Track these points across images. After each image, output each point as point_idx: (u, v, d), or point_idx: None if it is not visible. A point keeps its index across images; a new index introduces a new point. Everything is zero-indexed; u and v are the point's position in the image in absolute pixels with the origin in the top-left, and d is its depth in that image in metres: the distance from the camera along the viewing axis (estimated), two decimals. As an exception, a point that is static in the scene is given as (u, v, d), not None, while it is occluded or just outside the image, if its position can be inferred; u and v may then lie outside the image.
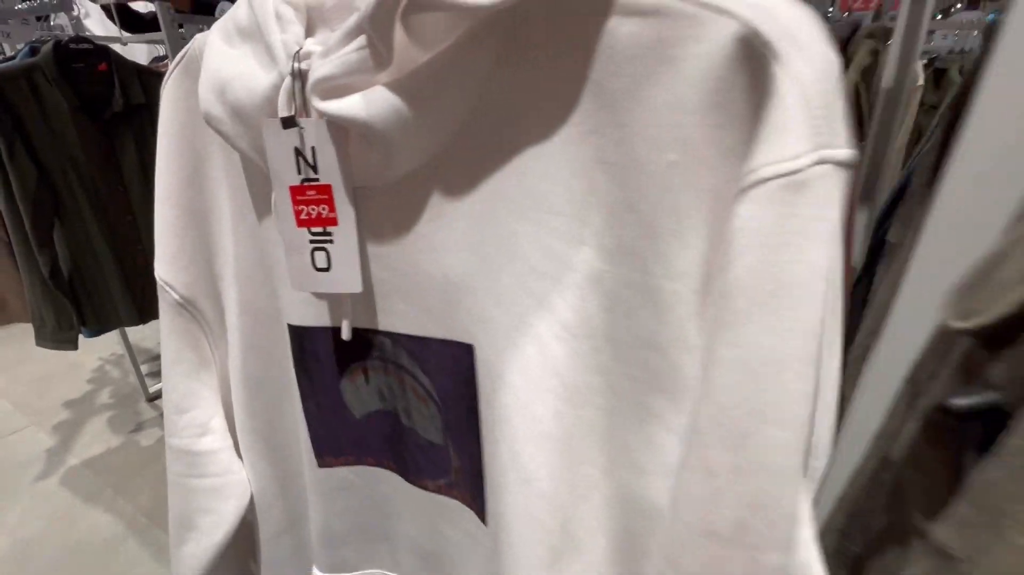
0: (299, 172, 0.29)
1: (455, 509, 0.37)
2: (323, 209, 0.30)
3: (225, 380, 0.45)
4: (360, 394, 0.38)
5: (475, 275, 0.28)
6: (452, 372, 0.31)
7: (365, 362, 0.36)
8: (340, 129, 0.27)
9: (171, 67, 0.36)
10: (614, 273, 0.25)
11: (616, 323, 0.26)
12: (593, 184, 0.24)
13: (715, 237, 0.21)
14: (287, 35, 0.27)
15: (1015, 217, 0.28)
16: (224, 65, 0.30)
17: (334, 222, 0.30)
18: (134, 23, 1.79)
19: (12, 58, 1.35)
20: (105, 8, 1.71)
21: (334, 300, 0.34)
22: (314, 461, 0.41)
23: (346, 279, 0.31)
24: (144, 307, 1.50)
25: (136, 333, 1.90)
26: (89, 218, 1.34)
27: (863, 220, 0.79)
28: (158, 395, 1.98)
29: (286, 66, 0.27)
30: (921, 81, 0.95)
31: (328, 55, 0.25)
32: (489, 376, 0.30)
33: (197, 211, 0.39)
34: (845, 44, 0.74)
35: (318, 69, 0.25)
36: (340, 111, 0.25)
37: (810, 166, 0.18)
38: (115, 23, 1.72)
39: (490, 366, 0.29)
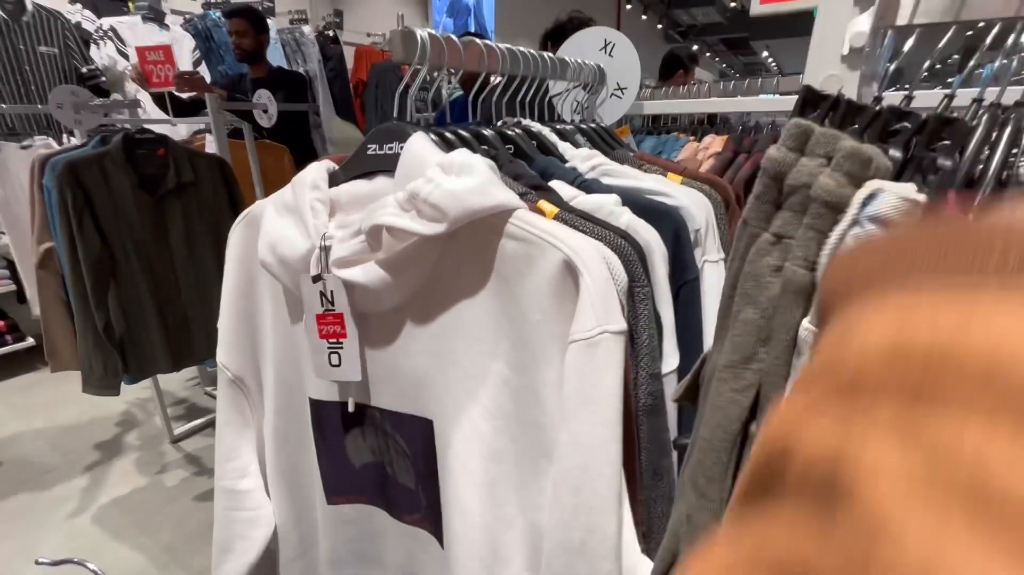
0: (322, 305, 0.45)
1: (424, 537, 0.51)
2: (337, 328, 0.45)
3: (260, 437, 0.60)
4: (358, 449, 0.52)
5: (432, 372, 0.44)
6: (419, 438, 0.46)
7: (362, 427, 0.51)
8: (348, 282, 0.43)
9: (237, 221, 0.53)
10: (515, 379, 0.40)
11: (518, 409, 0.40)
12: (500, 324, 0.39)
13: (563, 362, 0.36)
14: (318, 221, 0.44)
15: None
16: (274, 230, 0.47)
17: (344, 336, 0.45)
18: (176, 103, 2.08)
19: (84, 145, 1.59)
20: (156, 96, 2.00)
21: (343, 385, 0.49)
22: (324, 499, 0.55)
23: (351, 372, 0.46)
24: (178, 356, 1.67)
25: (163, 379, 2.07)
26: (140, 279, 1.54)
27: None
28: (182, 437, 2.13)
29: (316, 242, 0.43)
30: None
31: (343, 243, 0.41)
32: (443, 441, 0.44)
33: (248, 316, 0.55)
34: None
35: (336, 251, 0.41)
36: (349, 277, 0.41)
37: (598, 335, 0.33)
38: (166, 108, 2.00)
39: (443, 434, 0.44)
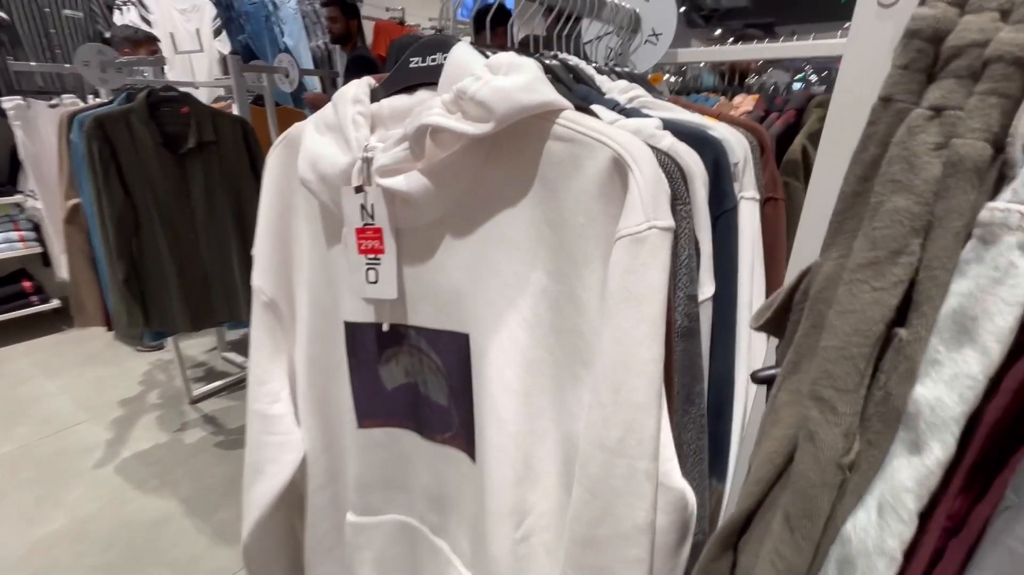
0: (362, 219, 0.45)
1: (454, 456, 0.51)
2: (375, 243, 0.46)
3: (291, 363, 0.61)
4: (391, 370, 0.53)
5: (470, 286, 0.44)
6: (455, 352, 0.47)
7: (396, 347, 0.51)
8: (389, 193, 0.43)
9: (276, 142, 0.54)
10: (554, 287, 0.40)
11: (556, 318, 0.40)
12: (540, 232, 0.40)
13: (606, 265, 0.36)
14: (359, 134, 0.44)
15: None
16: (315, 147, 0.47)
17: (382, 251, 0.46)
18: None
19: (111, 102, 1.61)
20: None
21: (379, 304, 0.50)
22: (355, 423, 0.57)
23: (387, 289, 0.47)
24: (197, 315, 1.69)
25: (183, 343, 2.11)
26: (160, 235, 1.56)
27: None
28: (200, 398, 2.18)
29: (358, 154, 0.43)
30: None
31: (386, 151, 0.42)
32: (479, 354, 0.45)
33: (284, 239, 0.56)
34: (800, 112, 0.88)
35: (379, 159, 0.42)
36: (392, 185, 0.41)
37: (646, 230, 0.33)
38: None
39: (479, 347, 0.44)
